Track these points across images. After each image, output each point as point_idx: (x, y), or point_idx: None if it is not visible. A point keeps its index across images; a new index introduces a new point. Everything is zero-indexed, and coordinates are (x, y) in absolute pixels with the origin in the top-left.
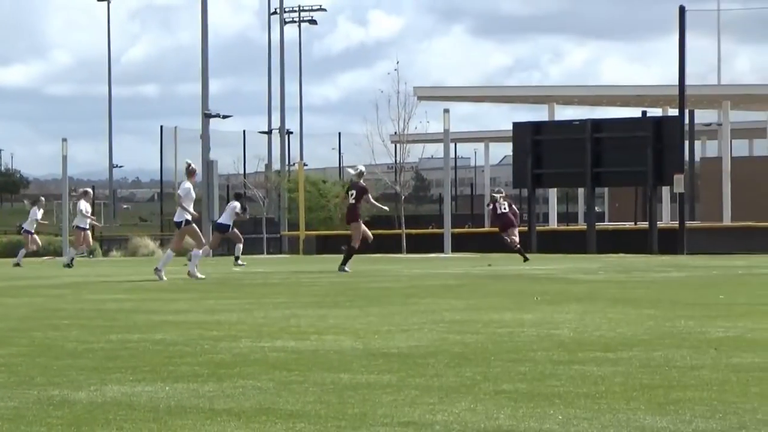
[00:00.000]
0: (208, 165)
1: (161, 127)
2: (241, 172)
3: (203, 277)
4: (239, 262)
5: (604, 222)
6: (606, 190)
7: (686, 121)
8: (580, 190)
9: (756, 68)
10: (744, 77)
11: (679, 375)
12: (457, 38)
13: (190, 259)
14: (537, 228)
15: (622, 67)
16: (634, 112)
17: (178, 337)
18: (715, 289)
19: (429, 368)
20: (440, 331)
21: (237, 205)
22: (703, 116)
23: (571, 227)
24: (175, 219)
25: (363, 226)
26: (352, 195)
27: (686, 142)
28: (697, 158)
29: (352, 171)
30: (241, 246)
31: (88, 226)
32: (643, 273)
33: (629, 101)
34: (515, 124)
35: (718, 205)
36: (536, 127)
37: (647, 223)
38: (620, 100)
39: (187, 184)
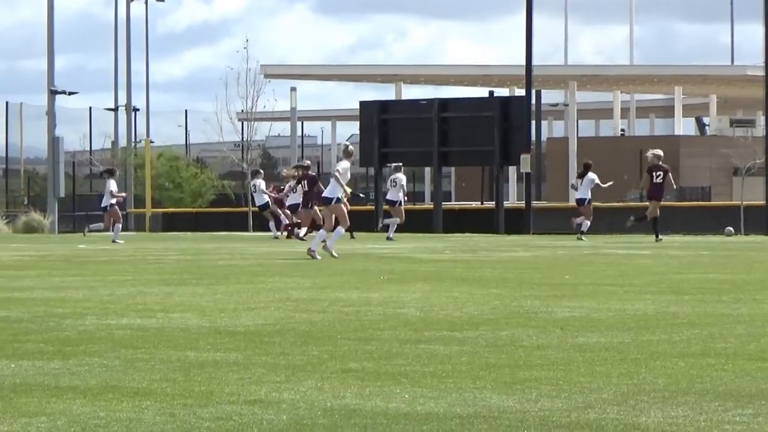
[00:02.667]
0: (54, 142)
1: (6, 103)
2: (88, 149)
3: (337, 256)
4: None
5: (450, 201)
6: (453, 169)
7: (533, 101)
8: (427, 170)
9: (599, 49)
10: (587, 58)
11: (525, 354)
12: (301, 16)
13: (322, 239)
14: (384, 207)
15: (467, 47)
16: (481, 92)
17: (24, 314)
18: (560, 269)
19: (275, 346)
20: (287, 309)
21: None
22: (550, 96)
23: (418, 206)
24: (327, 194)
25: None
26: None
27: (533, 122)
28: (543, 138)
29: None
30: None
31: None
32: (489, 253)
33: (476, 81)
34: (362, 103)
35: (564, 185)
36: (383, 106)
37: (494, 202)
38: (467, 79)
39: (346, 164)
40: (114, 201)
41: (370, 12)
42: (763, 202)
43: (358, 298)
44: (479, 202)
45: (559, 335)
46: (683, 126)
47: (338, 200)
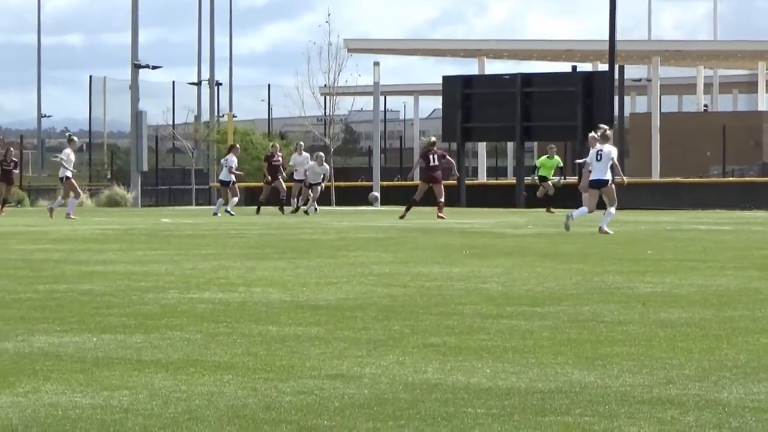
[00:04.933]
0: (137, 116)
1: (90, 77)
2: (170, 123)
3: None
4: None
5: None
6: (535, 144)
7: (616, 76)
8: (510, 145)
9: (677, 25)
10: (668, 33)
11: (606, 330)
12: None
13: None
14: (466, 182)
15: (548, 21)
16: (564, 67)
17: (106, 288)
18: (643, 245)
19: (357, 321)
20: (368, 284)
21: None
22: (633, 71)
23: (501, 181)
24: (602, 177)
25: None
26: None
27: (616, 98)
28: (626, 113)
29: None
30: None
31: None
32: (573, 228)
33: (559, 56)
34: (445, 78)
35: (647, 160)
36: (466, 80)
37: (576, 178)
38: (550, 54)
39: (612, 147)
40: (233, 177)
41: None
42: None
43: (439, 273)
44: (563, 177)
45: (640, 311)
46: (767, 101)
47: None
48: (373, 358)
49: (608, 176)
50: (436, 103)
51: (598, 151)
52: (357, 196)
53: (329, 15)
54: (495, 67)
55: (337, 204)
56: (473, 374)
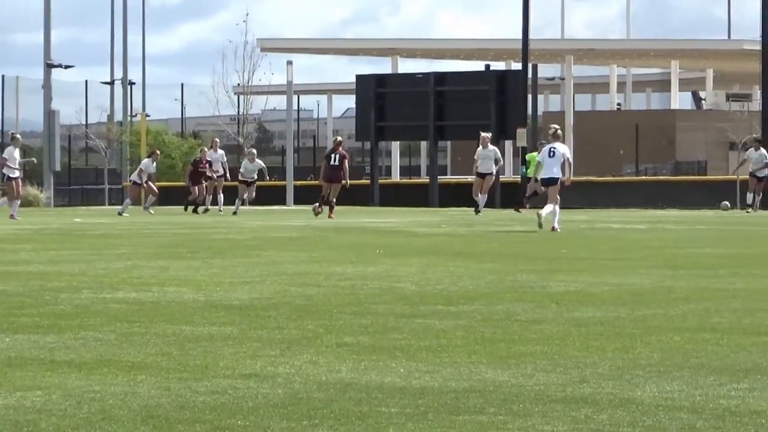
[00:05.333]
0: (50, 115)
1: (2, 76)
2: (84, 122)
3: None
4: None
5: (446, 175)
6: (449, 143)
7: (529, 74)
8: (423, 144)
9: (590, 24)
10: (580, 32)
11: (520, 329)
12: None
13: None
14: (379, 181)
15: (461, 20)
16: (478, 66)
17: (19, 288)
18: (557, 244)
19: (271, 320)
20: (282, 283)
21: None
22: (546, 70)
23: (414, 180)
24: (553, 175)
25: None
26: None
27: (529, 96)
28: (539, 112)
29: None
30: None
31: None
32: (486, 227)
33: (473, 54)
34: (358, 77)
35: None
36: (380, 79)
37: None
38: (463, 53)
39: (566, 146)
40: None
41: None
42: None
43: (354, 272)
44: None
45: (554, 309)
46: (679, 100)
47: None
48: (286, 357)
49: (559, 174)
50: (349, 102)
51: (551, 149)
52: (270, 196)
53: (247, 15)
54: (408, 66)
55: (251, 203)
56: (387, 373)
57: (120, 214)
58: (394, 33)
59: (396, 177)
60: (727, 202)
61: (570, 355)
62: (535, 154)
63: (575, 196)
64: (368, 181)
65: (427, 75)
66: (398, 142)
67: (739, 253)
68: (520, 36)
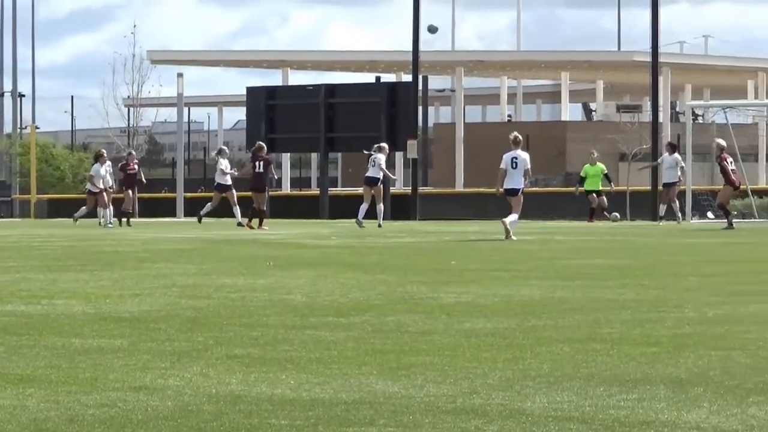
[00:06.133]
0: None
1: None
2: None
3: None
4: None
5: (337, 187)
6: (339, 155)
7: (420, 86)
8: (314, 155)
9: (480, 35)
10: (471, 44)
11: (411, 340)
12: (183, 2)
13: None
14: (270, 193)
15: (351, 32)
16: (368, 78)
17: None
18: (447, 255)
19: (161, 333)
20: (173, 295)
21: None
22: (437, 82)
23: (305, 192)
24: (515, 186)
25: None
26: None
27: (420, 108)
28: (430, 124)
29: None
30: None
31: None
32: (376, 239)
33: (363, 66)
34: (249, 89)
35: (451, 170)
36: (270, 91)
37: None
38: (354, 65)
39: (526, 154)
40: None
41: None
42: (648, 188)
43: (243, 284)
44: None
45: (444, 321)
46: (570, 111)
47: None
48: (177, 369)
49: (521, 184)
50: (240, 114)
51: (513, 158)
52: (161, 208)
53: (135, 27)
54: (299, 78)
55: (140, 216)
56: (277, 385)
57: (75, 219)
58: (284, 45)
59: (287, 189)
60: (616, 213)
61: (460, 366)
62: (587, 165)
63: (466, 207)
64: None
65: (317, 87)
66: (289, 154)
67: (628, 264)
68: (410, 48)
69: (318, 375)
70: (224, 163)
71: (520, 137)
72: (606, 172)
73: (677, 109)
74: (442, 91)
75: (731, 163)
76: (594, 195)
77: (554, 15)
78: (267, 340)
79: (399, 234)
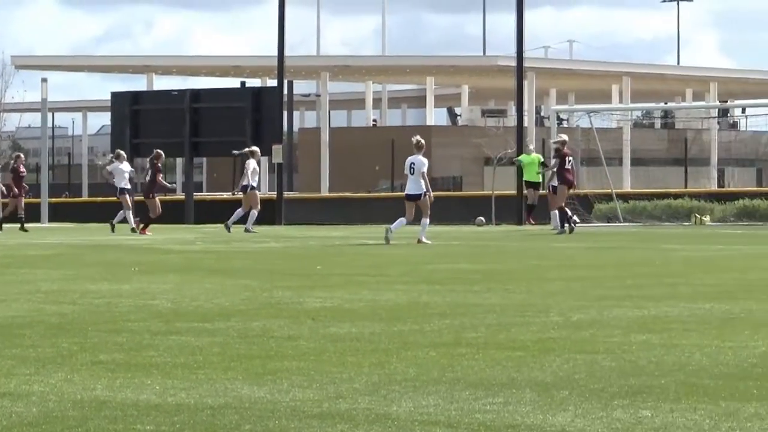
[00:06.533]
0: None
1: None
2: None
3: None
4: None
5: (202, 192)
6: (204, 160)
7: (285, 91)
8: (179, 160)
9: (345, 40)
10: (335, 48)
11: (276, 345)
12: (46, 6)
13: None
14: (135, 198)
15: (216, 37)
16: (233, 83)
17: None
18: (312, 260)
19: (25, 339)
20: (37, 301)
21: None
22: (302, 87)
23: (169, 197)
24: (414, 191)
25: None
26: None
27: (285, 113)
28: (295, 128)
29: None
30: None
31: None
32: (241, 243)
33: (228, 71)
34: (113, 94)
35: (316, 175)
36: (135, 96)
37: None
38: (219, 70)
39: (422, 157)
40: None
41: (116, 2)
42: (514, 192)
43: (108, 290)
44: (231, 193)
45: (310, 325)
46: (435, 116)
47: (425, 194)
48: (41, 375)
49: (422, 189)
50: (104, 119)
51: (410, 164)
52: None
53: None
54: (164, 83)
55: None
56: (142, 391)
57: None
58: (148, 50)
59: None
60: (482, 218)
61: (326, 370)
62: (523, 155)
63: (331, 212)
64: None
65: (182, 92)
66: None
67: (493, 269)
68: (275, 52)
69: (183, 380)
70: (124, 167)
71: (422, 141)
72: (543, 160)
73: (542, 114)
74: (308, 95)
75: (570, 161)
76: (532, 191)
77: (419, 20)
78: (132, 346)
79: (264, 239)
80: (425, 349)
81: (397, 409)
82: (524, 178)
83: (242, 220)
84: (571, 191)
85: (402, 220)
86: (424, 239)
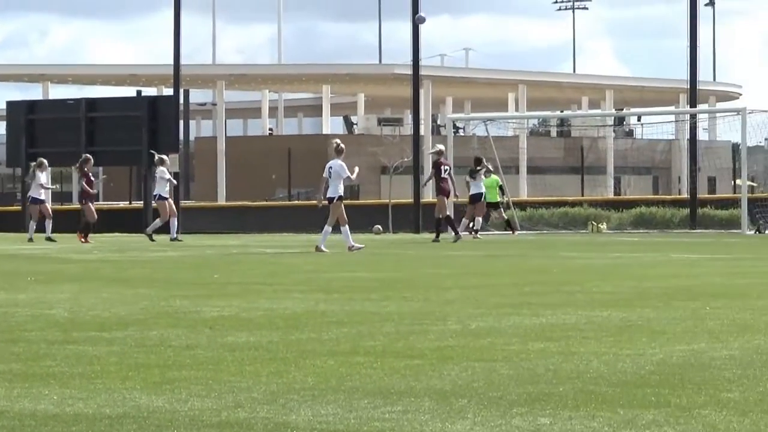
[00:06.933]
0: None
1: None
2: None
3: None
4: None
5: (99, 201)
6: (101, 169)
7: (181, 100)
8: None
9: (240, 49)
10: (230, 57)
11: (174, 354)
12: None
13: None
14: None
15: (111, 46)
16: (130, 91)
17: None
18: (209, 269)
19: None
20: None
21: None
22: (198, 96)
23: (66, 207)
24: (329, 195)
25: None
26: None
27: (181, 122)
28: (192, 137)
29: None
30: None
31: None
32: (139, 253)
33: (124, 80)
34: (8, 103)
35: (213, 184)
36: (30, 105)
37: (142, 202)
38: (115, 79)
39: (340, 162)
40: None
41: (10, 10)
42: (410, 200)
43: (4, 300)
44: (128, 202)
45: (208, 335)
46: (331, 124)
47: (340, 198)
48: None
49: (337, 193)
50: None
51: (328, 168)
52: None
53: None
54: (59, 92)
55: None
56: (40, 401)
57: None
58: (44, 59)
59: (48, 203)
60: (379, 226)
61: (224, 380)
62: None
63: (228, 221)
64: (20, 208)
65: (78, 101)
66: (49, 168)
67: (391, 277)
68: (171, 61)
69: (81, 390)
70: (43, 177)
71: (342, 146)
72: (501, 184)
73: (438, 122)
74: (204, 104)
75: (446, 171)
76: (492, 210)
77: (315, 28)
78: (29, 356)
79: (162, 248)
80: (323, 358)
81: (295, 418)
82: (486, 199)
83: (165, 228)
84: (448, 199)
85: (327, 228)
86: (322, 247)
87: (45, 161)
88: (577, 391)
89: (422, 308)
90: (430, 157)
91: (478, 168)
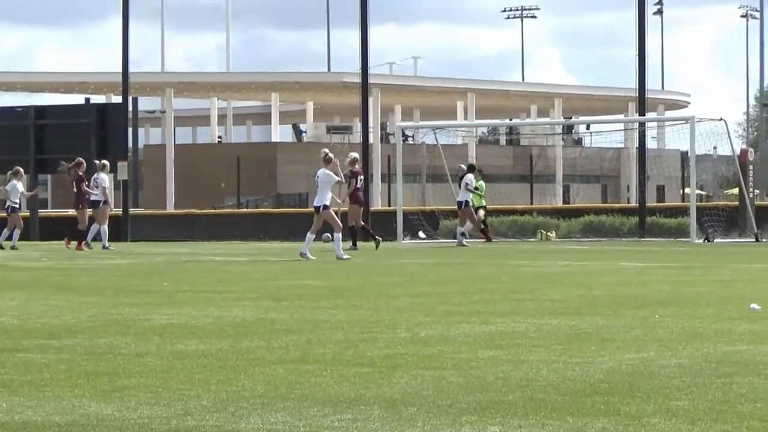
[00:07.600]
0: None
1: None
2: None
3: (348, 257)
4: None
5: (47, 209)
6: (49, 177)
7: (130, 107)
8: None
9: (188, 56)
10: (178, 65)
11: (123, 362)
12: None
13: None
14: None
15: (59, 54)
16: (78, 99)
17: None
18: (158, 276)
19: None
20: None
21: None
22: (147, 103)
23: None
24: (315, 204)
25: None
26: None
27: (130, 129)
28: (140, 145)
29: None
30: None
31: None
32: (87, 260)
33: (73, 88)
34: None
35: (161, 192)
36: None
37: (90, 210)
38: (64, 86)
39: (327, 170)
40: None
41: None
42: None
43: None
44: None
45: (157, 342)
46: (280, 133)
47: (326, 207)
48: None
49: (323, 201)
50: None
51: (316, 176)
52: None
53: None
54: (7, 99)
55: None
56: None
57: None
58: None
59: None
60: (328, 234)
61: (174, 388)
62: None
63: (177, 228)
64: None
65: (26, 108)
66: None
67: (340, 285)
68: (120, 69)
69: (30, 398)
70: (20, 186)
71: (330, 155)
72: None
73: (388, 130)
74: (153, 112)
75: (360, 179)
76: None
77: (264, 36)
78: None
79: (111, 256)
80: (273, 366)
81: (245, 426)
82: (474, 204)
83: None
84: (361, 208)
85: (310, 236)
86: (307, 254)
87: (21, 169)
88: (527, 399)
89: (372, 316)
90: (347, 165)
91: (462, 175)
